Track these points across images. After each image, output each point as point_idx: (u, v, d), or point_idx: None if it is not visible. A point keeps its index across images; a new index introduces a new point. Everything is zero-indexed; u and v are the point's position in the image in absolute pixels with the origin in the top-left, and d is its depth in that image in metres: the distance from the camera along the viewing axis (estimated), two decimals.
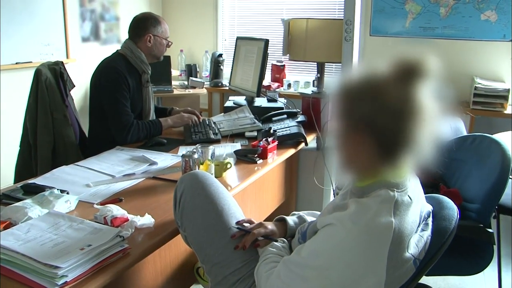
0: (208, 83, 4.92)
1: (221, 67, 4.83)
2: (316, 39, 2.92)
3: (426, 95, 1.17)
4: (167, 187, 1.92)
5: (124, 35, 4.83)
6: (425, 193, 1.41)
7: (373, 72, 1.21)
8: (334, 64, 4.31)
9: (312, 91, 2.99)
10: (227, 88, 4.73)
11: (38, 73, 2.56)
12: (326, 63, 3.09)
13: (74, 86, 2.81)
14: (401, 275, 1.24)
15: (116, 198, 1.79)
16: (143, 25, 2.69)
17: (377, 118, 1.15)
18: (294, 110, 2.91)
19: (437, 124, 1.18)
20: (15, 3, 3.79)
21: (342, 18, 2.77)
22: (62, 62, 2.73)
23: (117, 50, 2.74)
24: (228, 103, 3.13)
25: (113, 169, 2.12)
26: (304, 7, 4.78)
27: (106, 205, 1.64)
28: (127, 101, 2.58)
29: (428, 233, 1.34)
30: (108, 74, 2.57)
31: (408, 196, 1.22)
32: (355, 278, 1.16)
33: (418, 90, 1.16)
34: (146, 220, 1.57)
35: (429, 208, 1.40)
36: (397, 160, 1.19)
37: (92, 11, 4.59)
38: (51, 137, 2.54)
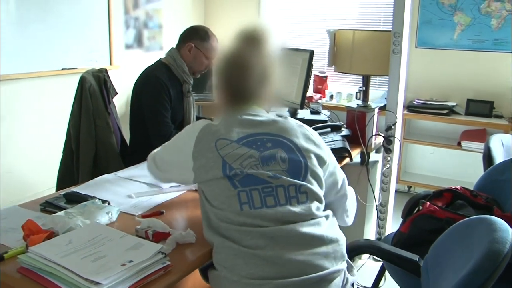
0: None
1: None
2: (362, 51, 2.84)
3: (262, 56, 1.53)
4: None
5: (166, 42, 4.86)
6: None
7: (227, 43, 1.58)
8: (378, 77, 4.24)
9: (357, 104, 2.91)
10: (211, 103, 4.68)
11: (82, 80, 2.57)
12: (371, 76, 3.01)
13: (117, 93, 2.81)
14: (210, 167, 1.44)
15: (157, 211, 1.76)
16: (190, 33, 2.67)
17: (227, 73, 1.54)
18: (339, 123, 2.83)
19: (274, 83, 1.56)
20: (63, 11, 3.85)
21: (387, 29, 2.70)
22: (106, 70, 2.73)
23: (160, 59, 2.73)
24: None
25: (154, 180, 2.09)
26: (348, 18, 4.70)
27: (148, 218, 1.61)
28: (167, 112, 2.56)
29: (254, 152, 1.45)
30: (150, 84, 2.56)
31: (222, 128, 1.50)
32: (178, 153, 1.57)
33: (254, 52, 1.52)
34: (188, 235, 1.53)
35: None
36: (243, 104, 1.55)
37: (136, 18, 4.63)
38: (93, 144, 2.54)
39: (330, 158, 1.58)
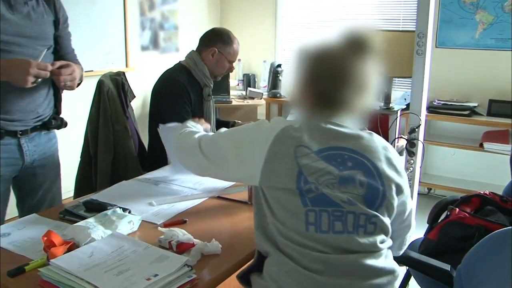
0: (266, 93, 4.84)
1: (280, 77, 4.74)
2: (385, 52, 2.76)
3: (365, 64, 1.35)
4: (233, 208, 1.83)
5: (182, 44, 4.82)
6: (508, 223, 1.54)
7: (326, 41, 1.41)
8: (397, 78, 4.15)
9: (379, 106, 2.84)
10: (286, 99, 4.64)
11: (100, 84, 2.53)
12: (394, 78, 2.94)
13: (135, 96, 2.77)
14: (284, 174, 1.31)
15: (180, 220, 1.71)
16: (213, 37, 2.62)
17: (321, 75, 1.37)
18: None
19: (371, 91, 1.39)
20: (78, 14, 3.82)
21: (407, 29, 2.63)
22: (123, 73, 2.69)
23: (180, 61, 2.68)
24: (290, 117, 3.01)
25: (175, 185, 2.07)
26: (367, 17, 4.61)
27: (171, 228, 1.56)
28: (188, 115, 2.51)
29: (333, 169, 1.32)
30: (171, 87, 2.52)
31: (304, 134, 1.35)
32: (247, 148, 1.38)
33: (358, 59, 1.34)
34: (213, 246, 1.48)
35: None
36: (330, 111, 1.39)
37: (152, 20, 4.59)
38: (112, 149, 2.50)
39: (407, 187, 1.45)
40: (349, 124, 1.40)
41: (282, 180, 1.31)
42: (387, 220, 1.35)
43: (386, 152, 1.40)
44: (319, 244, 1.28)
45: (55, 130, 2.18)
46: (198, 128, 1.73)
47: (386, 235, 1.36)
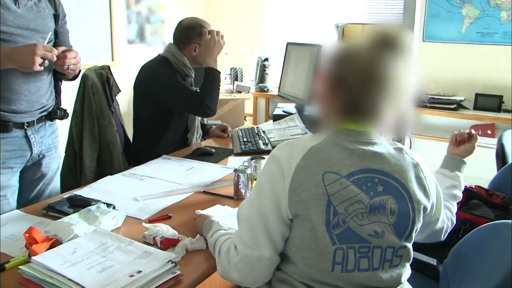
0: (254, 87, 4.82)
1: (267, 71, 4.72)
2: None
3: (398, 67, 1.21)
4: (218, 203, 1.80)
5: (169, 37, 4.78)
6: (494, 216, 1.45)
7: (353, 41, 1.32)
8: None
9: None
10: (273, 93, 4.63)
11: (85, 78, 2.49)
12: None
13: (120, 90, 2.74)
14: (311, 201, 1.19)
15: (164, 215, 1.69)
16: (188, 34, 2.60)
17: (347, 78, 1.23)
18: None
19: (405, 97, 1.25)
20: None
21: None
22: (108, 67, 2.66)
23: (159, 54, 2.67)
24: (277, 111, 3.01)
25: (160, 180, 2.05)
26: (355, 11, 4.61)
27: (156, 223, 1.54)
28: (185, 86, 2.53)
29: (363, 196, 1.20)
30: (158, 72, 2.53)
31: (330, 156, 1.23)
32: (266, 192, 1.25)
33: (390, 60, 1.21)
34: (198, 242, 1.46)
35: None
36: (356, 120, 1.26)
37: (138, 13, 4.55)
38: (97, 144, 2.47)
39: (437, 203, 1.38)
40: (378, 139, 1.28)
41: (311, 211, 1.19)
42: (411, 246, 1.29)
43: (417, 170, 1.29)
44: (341, 281, 1.21)
45: (57, 122, 2.19)
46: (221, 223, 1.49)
47: (409, 261, 1.30)
